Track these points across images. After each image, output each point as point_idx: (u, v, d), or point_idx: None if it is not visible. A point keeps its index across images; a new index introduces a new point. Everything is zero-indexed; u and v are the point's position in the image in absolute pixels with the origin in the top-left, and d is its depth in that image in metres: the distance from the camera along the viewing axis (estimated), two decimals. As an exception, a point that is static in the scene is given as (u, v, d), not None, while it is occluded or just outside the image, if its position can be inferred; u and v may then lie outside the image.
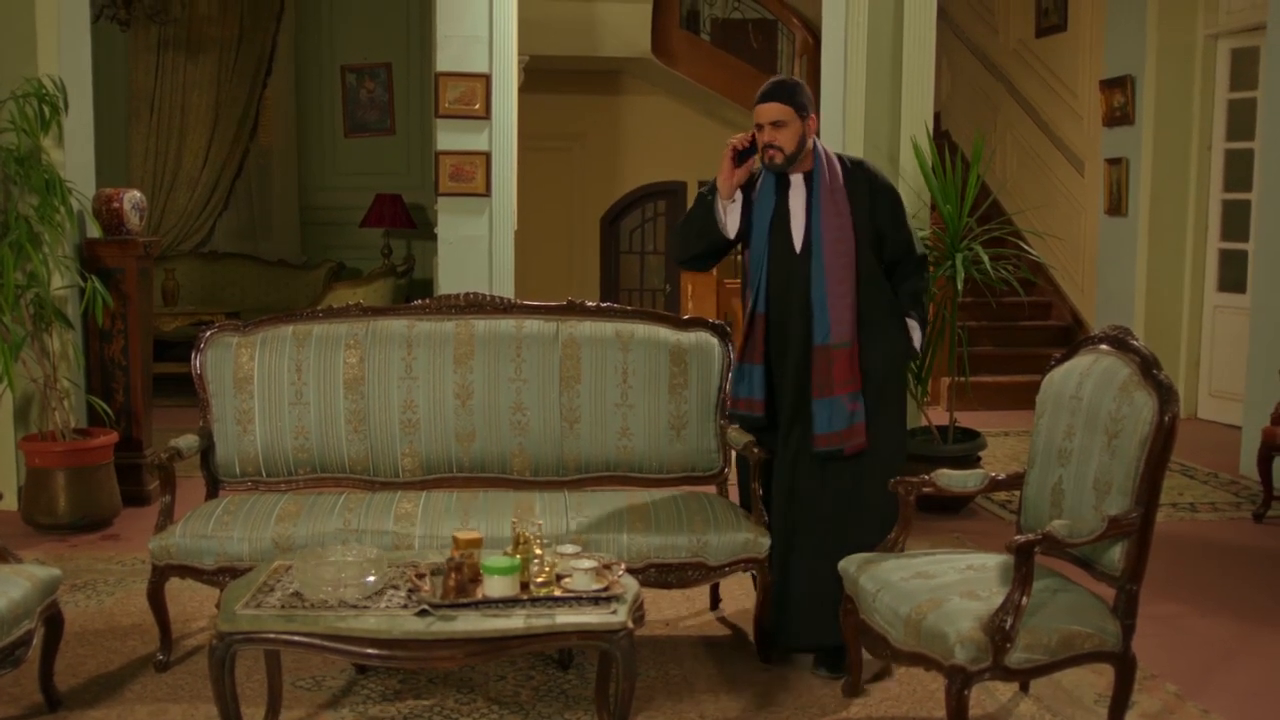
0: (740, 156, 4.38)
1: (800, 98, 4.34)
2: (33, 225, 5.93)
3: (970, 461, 6.50)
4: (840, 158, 4.45)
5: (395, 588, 3.51)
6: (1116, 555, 3.47)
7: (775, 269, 4.38)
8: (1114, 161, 9.64)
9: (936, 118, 8.02)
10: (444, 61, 7.57)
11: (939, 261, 6.48)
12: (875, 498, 4.26)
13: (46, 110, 6.12)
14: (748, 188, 4.48)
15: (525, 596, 3.40)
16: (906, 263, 4.46)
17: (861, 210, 4.35)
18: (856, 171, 4.43)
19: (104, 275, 6.34)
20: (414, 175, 11.57)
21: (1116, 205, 9.63)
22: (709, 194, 4.50)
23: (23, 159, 6.00)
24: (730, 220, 4.47)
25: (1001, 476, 4.03)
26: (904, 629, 3.47)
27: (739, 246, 4.60)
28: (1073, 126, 10.79)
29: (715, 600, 4.97)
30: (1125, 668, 3.48)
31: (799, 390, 4.34)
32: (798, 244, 4.35)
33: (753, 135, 4.36)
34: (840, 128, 6.74)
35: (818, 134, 4.58)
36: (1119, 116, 9.53)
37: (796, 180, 4.40)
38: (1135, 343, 3.60)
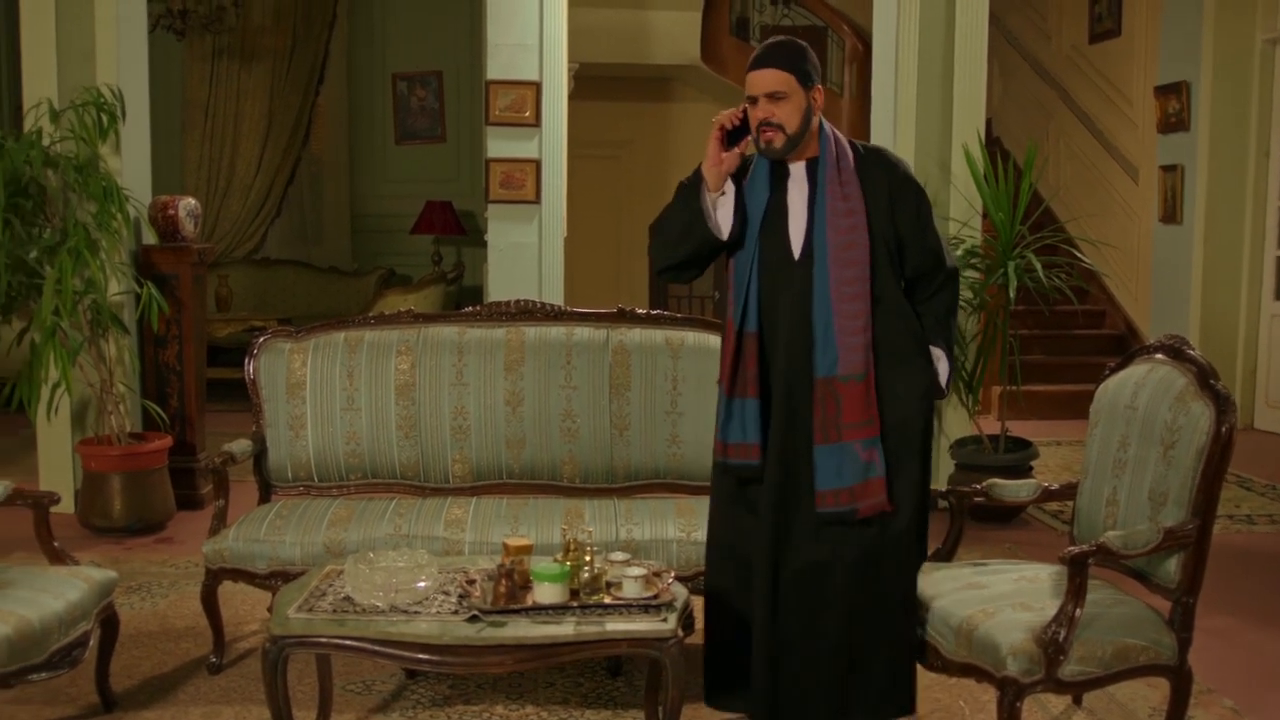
0: (730, 138, 3.60)
1: (804, 63, 3.54)
2: (90, 232, 6.01)
3: (1022, 471, 6.44)
4: (853, 143, 3.67)
5: (446, 593, 3.52)
6: (1172, 567, 3.42)
7: (768, 279, 3.62)
8: (1169, 168, 9.53)
9: (988, 124, 7.98)
10: (494, 69, 7.60)
11: (991, 269, 6.44)
12: (891, 574, 3.60)
13: (105, 119, 6.22)
14: (738, 176, 3.68)
15: (575, 604, 3.40)
16: (932, 277, 3.68)
17: (878, 208, 3.58)
18: (872, 160, 3.64)
19: (159, 281, 6.42)
20: (464, 182, 11.64)
21: (1171, 213, 9.52)
22: (690, 184, 3.67)
23: (81, 167, 6.09)
24: (723, 217, 3.65)
25: (1055, 486, 3.99)
26: (955, 639, 3.44)
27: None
28: (1127, 133, 10.68)
29: (764, 609, 4.93)
30: (1181, 682, 3.43)
31: (798, 434, 3.57)
32: (796, 249, 3.59)
33: (744, 110, 3.58)
34: (891, 135, 6.71)
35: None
36: (1174, 123, 9.43)
37: (797, 170, 3.63)
38: (1192, 352, 3.55)
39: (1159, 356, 3.65)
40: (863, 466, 3.50)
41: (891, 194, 3.59)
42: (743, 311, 3.62)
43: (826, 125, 3.62)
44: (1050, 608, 3.36)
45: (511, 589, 3.42)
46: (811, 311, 3.53)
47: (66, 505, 6.24)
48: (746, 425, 3.60)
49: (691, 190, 3.65)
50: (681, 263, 3.71)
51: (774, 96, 3.50)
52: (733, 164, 3.61)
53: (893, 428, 3.56)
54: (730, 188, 3.64)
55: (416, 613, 3.38)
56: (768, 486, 3.59)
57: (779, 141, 3.53)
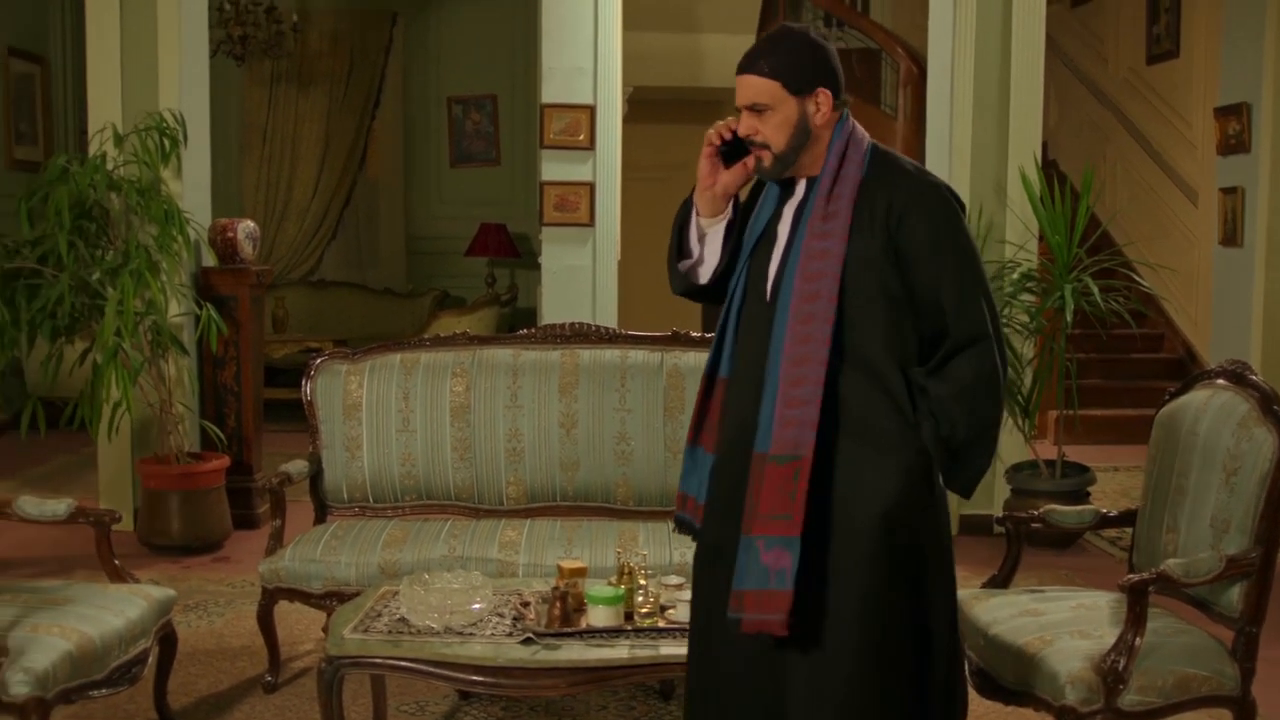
0: (727, 154, 2.96)
1: (795, 64, 2.80)
2: (152, 254, 6.11)
3: (1079, 497, 6.38)
4: (877, 153, 2.89)
5: (500, 615, 3.53)
6: (1235, 596, 3.37)
7: (747, 317, 2.95)
8: (1229, 191, 9.40)
9: (1044, 147, 7.91)
10: (549, 93, 7.64)
11: (1048, 293, 6.39)
12: None
13: (167, 143, 6.33)
14: (752, 194, 3.06)
15: (629, 627, 3.40)
16: (949, 342, 2.81)
17: (868, 242, 2.79)
18: (879, 176, 2.84)
19: (218, 303, 6.50)
20: (518, 205, 11.68)
21: (1232, 235, 9.39)
22: (683, 210, 3.07)
23: (144, 190, 6.19)
24: (708, 253, 3.02)
25: (1113, 513, 3.95)
26: (1012, 667, 3.41)
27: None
28: (1186, 156, 10.56)
29: (817, 634, 4.88)
30: (1243, 713, 3.37)
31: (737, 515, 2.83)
32: (767, 289, 2.90)
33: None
34: (947, 158, 6.68)
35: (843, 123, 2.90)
36: (1234, 145, 9.30)
37: (799, 190, 2.94)
38: (1254, 377, 3.51)
39: (1220, 382, 3.61)
40: (762, 571, 2.70)
41: (890, 221, 2.79)
42: (716, 351, 3.03)
43: (845, 130, 2.88)
44: (1109, 636, 3.32)
45: (566, 612, 3.43)
46: (764, 369, 2.83)
47: (126, 523, 6.31)
48: (705, 483, 3.01)
49: (681, 218, 3.06)
50: (682, 292, 3.18)
51: (755, 109, 2.84)
52: (731, 184, 2.97)
53: (845, 535, 2.76)
54: (730, 212, 3.02)
55: (471, 634, 3.40)
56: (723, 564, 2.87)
57: (767, 162, 2.87)
